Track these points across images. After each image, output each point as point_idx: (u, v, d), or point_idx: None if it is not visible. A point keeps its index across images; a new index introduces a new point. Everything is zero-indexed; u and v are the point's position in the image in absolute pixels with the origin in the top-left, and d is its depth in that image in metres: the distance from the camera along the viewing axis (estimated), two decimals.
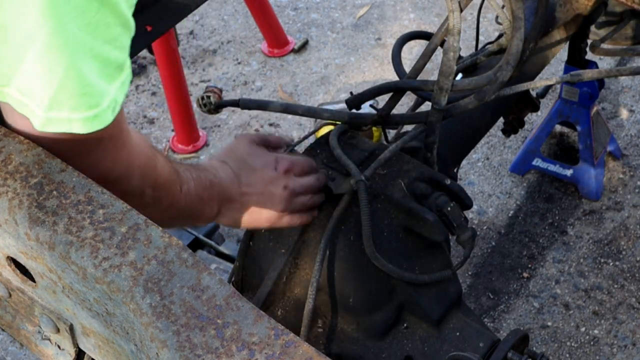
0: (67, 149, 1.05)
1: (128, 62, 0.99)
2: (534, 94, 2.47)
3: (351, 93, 1.78)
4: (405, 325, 1.55)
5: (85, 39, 0.92)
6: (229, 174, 1.39)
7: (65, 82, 0.93)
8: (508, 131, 2.45)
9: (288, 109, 1.70)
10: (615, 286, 2.59)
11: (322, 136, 1.61)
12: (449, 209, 1.51)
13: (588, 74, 1.63)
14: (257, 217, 1.43)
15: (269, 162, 1.43)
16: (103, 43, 0.93)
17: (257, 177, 1.41)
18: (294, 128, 3.13)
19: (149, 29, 1.88)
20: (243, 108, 1.66)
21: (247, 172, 1.40)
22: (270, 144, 1.49)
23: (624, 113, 3.07)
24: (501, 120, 2.39)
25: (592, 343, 2.47)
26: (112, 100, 0.97)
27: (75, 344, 1.15)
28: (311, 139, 1.88)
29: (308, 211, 1.49)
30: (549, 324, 2.52)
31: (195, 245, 2.43)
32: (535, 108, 2.40)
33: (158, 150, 1.24)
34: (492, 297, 2.59)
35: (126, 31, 0.96)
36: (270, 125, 3.15)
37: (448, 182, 1.55)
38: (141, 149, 1.15)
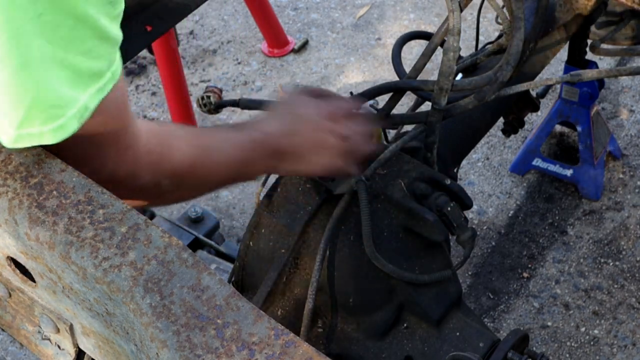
0: (65, 160, 1.05)
1: (108, 68, 0.99)
2: (534, 94, 2.47)
3: (351, 93, 1.78)
4: (405, 325, 1.55)
5: (56, 52, 0.93)
6: (278, 126, 1.37)
7: (38, 98, 0.94)
8: (508, 131, 2.45)
9: None
10: (615, 286, 2.59)
11: None
12: (449, 209, 1.51)
13: (588, 74, 1.63)
14: (315, 164, 1.40)
15: (316, 109, 1.41)
16: (76, 55, 0.94)
17: (305, 125, 1.39)
18: None
19: (149, 29, 1.88)
20: (243, 108, 1.66)
21: (295, 121, 1.39)
22: (314, 94, 1.48)
23: (624, 113, 3.07)
24: (501, 120, 2.39)
25: (592, 343, 2.47)
26: (81, 107, 0.97)
27: (75, 344, 1.15)
28: None
29: (360, 160, 1.46)
30: (549, 324, 2.52)
31: (195, 245, 2.43)
32: (535, 108, 2.40)
33: (179, 132, 1.22)
34: (492, 297, 2.59)
35: (104, 42, 0.97)
36: None
37: (448, 182, 1.55)
38: (150, 147, 1.13)
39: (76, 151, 1.04)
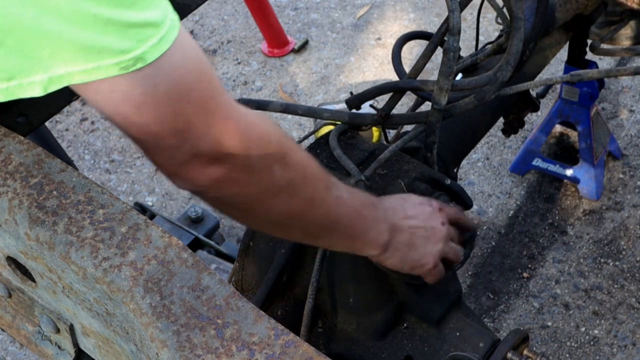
0: (160, 134, 0.98)
1: (165, 16, 0.95)
2: (534, 94, 2.47)
3: (351, 93, 1.78)
4: (405, 325, 1.55)
5: (98, 11, 0.89)
6: (395, 203, 1.36)
7: (68, 42, 0.90)
8: (508, 131, 2.45)
9: (288, 109, 1.70)
10: (615, 286, 2.59)
11: (322, 136, 1.61)
12: None
13: (588, 74, 1.63)
14: (423, 253, 1.39)
15: (424, 200, 1.42)
16: (122, 10, 0.90)
17: (418, 210, 1.38)
18: (294, 128, 3.13)
19: None
20: None
21: (410, 205, 1.38)
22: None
23: (624, 113, 3.07)
24: (501, 120, 2.39)
25: (592, 343, 2.47)
26: (130, 58, 0.92)
27: (75, 344, 1.15)
28: (311, 139, 1.88)
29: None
30: (549, 324, 2.52)
31: (195, 245, 2.43)
32: (535, 108, 2.40)
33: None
34: (492, 297, 2.59)
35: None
36: None
37: (448, 182, 1.55)
38: (255, 121, 1.06)
39: (173, 116, 0.97)
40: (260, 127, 1.07)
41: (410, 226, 1.36)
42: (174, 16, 0.97)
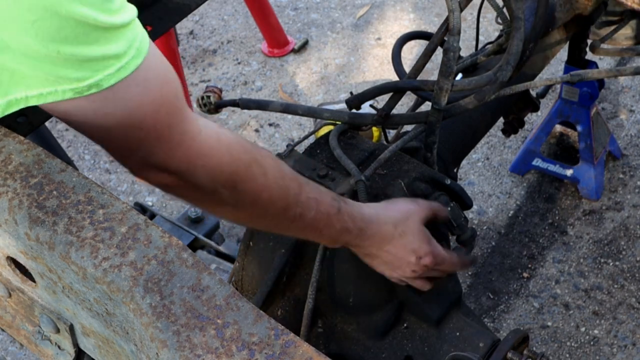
0: (118, 145, 1.05)
1: (128, 47, 0.98)
2: (534, 94, 2.47)
3: (351, 93, 1.78)
4: (405, 325, 1.55)
5: (61, 48, 0.93)
6: (382, 221, 1.38)
7: (27, 71, 0.95)
8: (508, 131, 2.45)
9: (288, 109, 1.70)
10: (615, 286, 2.59)
11: (322, 136, 1.61)
12: (449, 209, 1.51)
13: (588, 74, 1.63)
14: (384, 269, 1.44)
15: (417, 250, 1.42)
16: (85, 46, 0.94)
17: (398, 252, 1.40)
18: (294, 128, 3.13)
19: (149, 29, 1.88)
20: (243, 108, 1.66)
21: (398, 230, 1.39)
22: (438, 217, 1.48)
23: (624, 113, 3.07)
24: (501, 120, 2.39)
25: (592, 343, 2.47)
26: (84, 85, 0.96)
27: (75, 344, 1.15)
28: (311, 139, 1.88)
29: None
30: (549, 324, 2.52)
31: (195, 245, 2.43)
32: (535, 108, 2.40)
33: (269, 160, 1.20)
34: (492, 297, 2.59)
35: (110, 30, 0.95)
36: (270, 125, 3.15)
37: (448, 182, 1.55)
38: (210, 152, 1.11)
39: (124, 138, 1.03)
40: (214, 158, 1.12)
41: (380, 245, 1.39)
42: (142, 44, 1.00)
